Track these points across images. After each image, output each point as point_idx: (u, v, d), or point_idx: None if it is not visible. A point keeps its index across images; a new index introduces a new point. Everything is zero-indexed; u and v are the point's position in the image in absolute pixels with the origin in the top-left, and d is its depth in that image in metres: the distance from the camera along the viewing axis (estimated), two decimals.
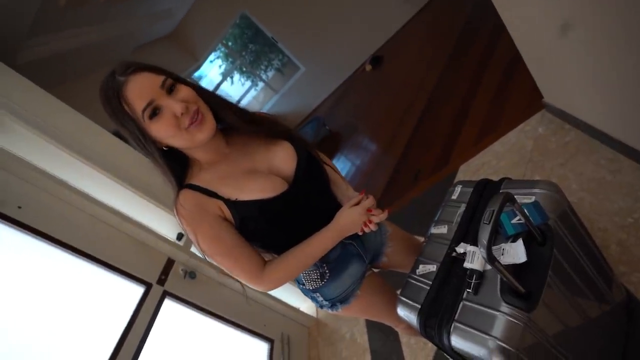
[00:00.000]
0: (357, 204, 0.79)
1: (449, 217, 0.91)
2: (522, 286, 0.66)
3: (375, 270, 1.03)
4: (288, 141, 0.84)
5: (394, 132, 3.18)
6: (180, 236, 1.85)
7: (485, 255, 0.58)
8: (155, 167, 0.75)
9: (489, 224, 0.59)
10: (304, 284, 0.90)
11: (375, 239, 0.98)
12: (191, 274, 1.71)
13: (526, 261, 0.68)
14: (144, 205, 1.75)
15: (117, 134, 2.74)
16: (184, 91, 0.69)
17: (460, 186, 0.95)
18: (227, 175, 0.76)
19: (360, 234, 0.79)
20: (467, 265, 0.75)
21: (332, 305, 0.92)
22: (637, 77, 1.03)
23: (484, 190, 0.89)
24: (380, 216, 0.77)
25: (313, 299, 0.93)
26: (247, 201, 0.73)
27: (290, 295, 2.23)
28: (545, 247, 0.71)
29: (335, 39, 5.00)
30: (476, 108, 2.44)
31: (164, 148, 0.72)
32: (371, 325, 1.82)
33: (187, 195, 0.73)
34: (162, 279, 1.59)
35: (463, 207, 0.90)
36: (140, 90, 0.65)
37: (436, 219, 0.95)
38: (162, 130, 0.67)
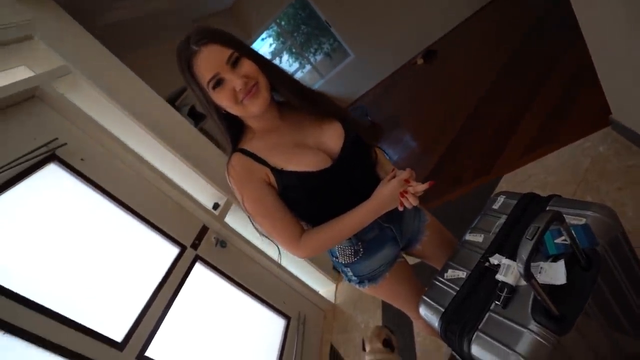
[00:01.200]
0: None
1: (486, 227, 0.89)
2: (556, 308, 0.63)
3: (408, 257, 1.05)
4: (339, 121, 0.86)
5: (439, 131, 3.07)
6: (216, 206, 1.95)
7: (522, 271, 0.57)
8: (215, 127, 0.83)
9: (531, 239, 0.57)
10: (337, 257, 0.94)
11: (413, 224, 1.00)
12: (222, 243, 1.81)
13: (565, 284, 0.66)
14: (187, 173, 1.86)
15: (171, 101, 2.88)
16: (246, 66, 0.74)
17: (504, 197, 0.92)
18: (276, 146, 0.81)
19: (400, 209, 0.77)
20: (499, 277, 0.73)
21: (360, 282, 0.96)
22: None
23: (529, 205, 0.85)
24: (418, 187, 0.74)
25: (344, 272, 0.98)
26: (291, 172, 0.78)
27: (311, 278, 2.29)
28: (589, 272, 0.67)
29: (389, 28, 4.84)
30: (532, 115, 2.28)
31: (224, 112, 0.79)
32: (387, 319, 1.83)
33: (238, 158, 0.79)
34: (196, 243, 1.70)
35: (503, 218, 0.87)
36: (208, 63, 0.72)
37: (473, 226, 0.93)
38: (222, 100, 0.75)
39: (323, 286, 2.33)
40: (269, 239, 0.84)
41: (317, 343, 2.00)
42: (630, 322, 0.80)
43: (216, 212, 1.89)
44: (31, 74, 1.54)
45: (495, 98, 2.82)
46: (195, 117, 3.08)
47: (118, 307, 1.34)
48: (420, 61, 4.69)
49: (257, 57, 0.77)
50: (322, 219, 0.82)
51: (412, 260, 1.12)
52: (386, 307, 1.90)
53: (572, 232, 0.67)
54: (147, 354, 1.30)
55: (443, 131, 2.99)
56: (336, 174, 0.81)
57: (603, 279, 0.69)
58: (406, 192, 0.75)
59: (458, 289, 0.80)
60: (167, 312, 1.44)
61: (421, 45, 4.93)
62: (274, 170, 0.78)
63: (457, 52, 4.28)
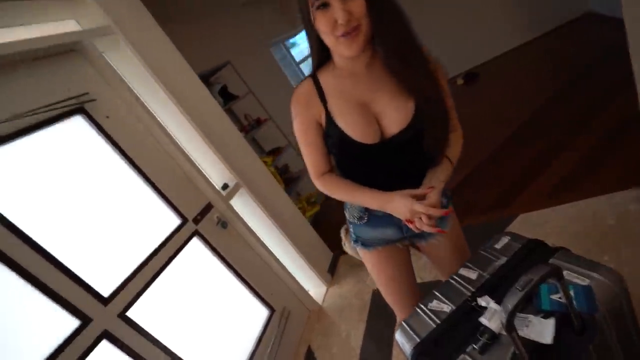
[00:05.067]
0: (422, 197, 0.77)
1: (483, 265, 0.84)
2: None
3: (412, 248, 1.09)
4: (417, 103, 0.79)
5: (466, 154, 2.94)
6: (225, 186, 1.97)
7: (504, 322, 0.53)
8: (309, 44, 0.84)
9: (521, 290, 0.53)
10: (347, 212, 1.02)
11: None
12: (223, 224, 1.83)
13: (552, 344, 0.61)
14: (204, 149, 1.89)
15: (205, 78, 2.93)
16: (357, 5, 0.70)
17: (509, 238, 0.87)
18: (345, 93, 0.82)
19: (404, 222, 0.81)
20: (483, 320, 0.69)
21: (356, 241, 1.03)
22: None
23: (533, 252, 0.80)
24: (427, 228, 0.75)
25: (349, 226, 1.05)
26: (338, 127, 0.82)
27: (304, 275, 2.28)
28: (582, 338, 0.63)
29: (438, 40, 4.71)
30: (564, 158, 2.16)
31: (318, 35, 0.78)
32: (369, 335, 1.80)
33: (308, 85, 0.85)
34: (198, 219, 1.72)
35: (503, 260, 0.82)
36: None
37: (469, 260, 0.89)
38: (320, 24, 0.73)
39: (314, 286, 2.32)
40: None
41: (295, 341, 2.00)
42: None
43: (224, 193, 1.91)
44: (78, 28, 1.60)
45: (531, 132, 2.70)
46: (225, 96, 3.14)
47: (111, 264, 1.38)
48: (460, 81, 4.57)
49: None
50: (343, 174, 0.91)
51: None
52: (370, 322, 1.87)
53: (571, 291, 0.63)
54: (128, 313, 1.33)
55: (471, 155, 2.89)
56: (375, 153, 0.82)
57: (596, 348, 0.64)
58: (413, 221, 0.76)
59: (439, 322, 0.77)
60: (155, 278, 1.47)
61: (465, 65, 4.79)
62: (328, 115, 0.82)
63: (499, 79, 4.13)
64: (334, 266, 2.46)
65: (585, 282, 0.68)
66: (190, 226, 1.68)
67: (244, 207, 2.04)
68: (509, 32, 4.54)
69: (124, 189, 1.53)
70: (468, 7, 4.47)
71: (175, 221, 1.65)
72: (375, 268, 1.06)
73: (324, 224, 3.10)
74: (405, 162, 0.86)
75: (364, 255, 1.05)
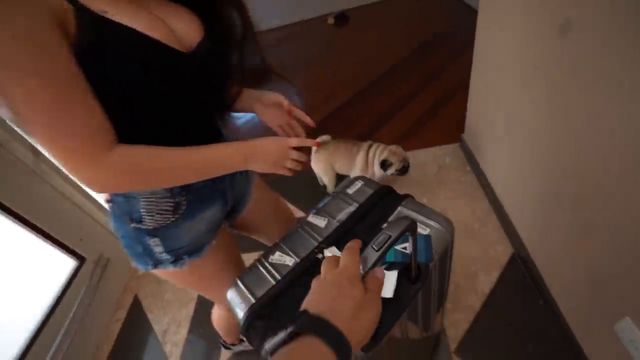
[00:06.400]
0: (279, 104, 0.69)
1: (333, 211, 0.76)
2: None
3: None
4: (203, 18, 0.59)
5: (326, 96, 2.97)
6: None
7: None
8: None
9: (377, 251, 0.43)
10: (140, 221, 0.59)
11: (240, 183, 0.77)
12: None
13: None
14: None
15: None
16: None
17: (362, 183, 0.81)
18: None
19: (288, 174, 0.66)
20: None
21: (177, 260, 0.67)
22: (536, 163, 1.04)
23: (383, 199, 0.76)
24: (309, 158, 0.61)
25: (147, 251, 0.64)
26: (122, 25, 0.44)
27: None
28: (414, 287, 0.62)
29: None
30: (409, 111, 2.42)
31: None
32: None
33: None
34: None
35: (354, 206, 0.75)
36: None
37: (319, 206, 0.79)
38: None
39: None
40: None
41: (117, 291, 1.66)
42: (424, 318, 0.83)
43: None
44: None
45: (388, 83, 2.89)
46: None
47: None
48: (331, 21, 4.46)
49: None
50: (137, 135, 0.49)
51: None
52: None
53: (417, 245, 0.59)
54: None
55: (331, 98, 2.91)
56: (190, 66, 0.54)
57: (422, 292, 0.65)
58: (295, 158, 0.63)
59: (279, 279, 0.65)
60: None
61: (337, 5, 4.69)
62: (82, 12, 0.41)
63: (369, 26, 4.25)
64: None
65: (426, 230, 0.67)
66: None
67: None
68: None
69: None
70: None
71: None
72: (217, 271, 0.77)
73: None
74: (215, 93, 0.65)
75: (195, 271, 0.71)
